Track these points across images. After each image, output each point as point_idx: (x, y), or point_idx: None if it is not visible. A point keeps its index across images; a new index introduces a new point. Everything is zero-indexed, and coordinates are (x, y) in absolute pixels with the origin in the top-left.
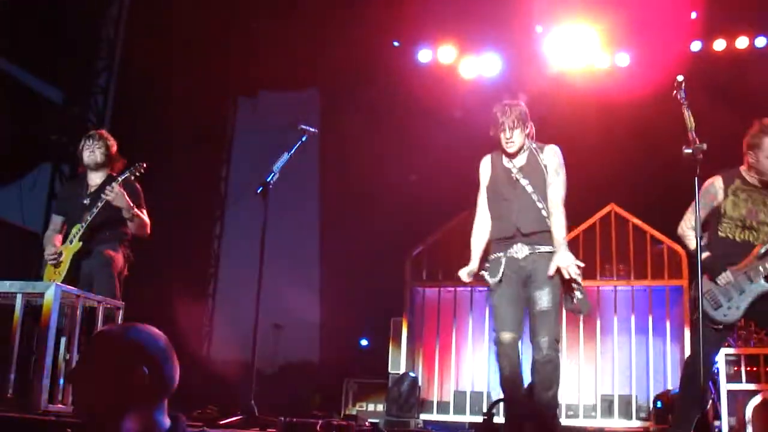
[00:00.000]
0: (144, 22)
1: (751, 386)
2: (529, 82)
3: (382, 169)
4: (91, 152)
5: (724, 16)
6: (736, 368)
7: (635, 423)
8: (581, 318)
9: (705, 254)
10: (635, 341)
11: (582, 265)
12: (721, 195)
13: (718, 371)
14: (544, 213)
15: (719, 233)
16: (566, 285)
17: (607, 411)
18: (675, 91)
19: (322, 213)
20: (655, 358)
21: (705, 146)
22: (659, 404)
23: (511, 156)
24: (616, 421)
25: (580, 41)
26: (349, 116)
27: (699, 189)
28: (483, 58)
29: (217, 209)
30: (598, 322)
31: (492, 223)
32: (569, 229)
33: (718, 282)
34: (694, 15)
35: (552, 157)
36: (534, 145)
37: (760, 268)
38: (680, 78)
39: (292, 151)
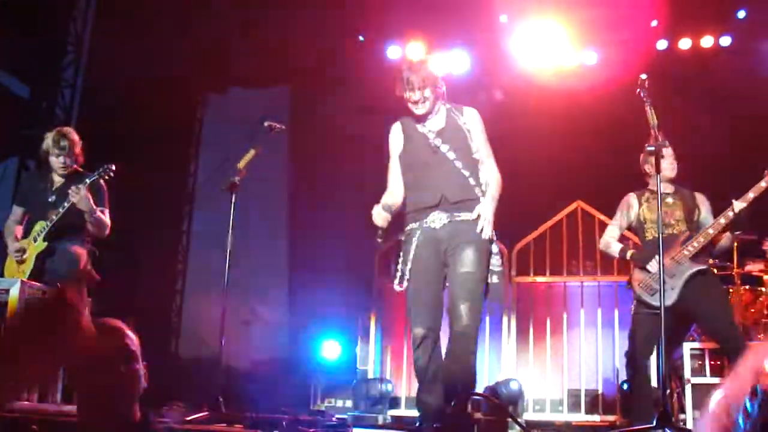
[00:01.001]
0: (112, 16)
1: (715, 380)
2: (497, 79)
3: (352, 165)
4: (63, 165)
5: (690, 15)
6: (700, 362)
7: (602, 417)
8: (548, 313)
9: (631, 251)
10: (602, 336)
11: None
12: (635, 204)
13: (682, 365)
14: (471, 180)
15: (646, 237)
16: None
17: (574, 405)
18: (639, 89)
19: (291, 209)
20: (621, 353)
21: (667, 143)
22: (626, 386)
23: (422, 119)
24: (583, 416)
25: (547, 38)
26: (318, 113)
27: (660, 186)
28: (451, 55)
29: (186, 205)
30: (565, 318)
31: (409, 195)
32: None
33: (650, 269)
34: (654, 23)
35: (475, 121)
36: (449, 106)
37: (685, 252)
38: (643, 76)
39: (259, 148)
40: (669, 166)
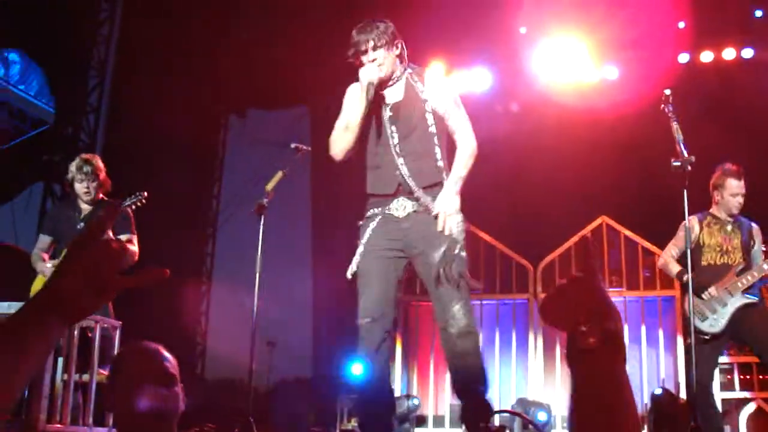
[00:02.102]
0: (134, 41)
1: (745, 394)
2: (519, 96)
3: None
4: (87, 191)
5: (711, 27)
6: (729, 377)
7: None
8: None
9: (678, 268)
10: (628, 351)
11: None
12: (697, 228)
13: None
14: (430, 162)
15: (702, 263)
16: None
17: None
18: (663, 105)
19: (314, 229)
20: (649, 368)
21: (693, 159)
22: (660, 392)
23: (380, 86)
24: None
25: (569, 55)
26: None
27: (687, 201)
28: (473, 73)
29: (209, 227)
30: None
31: (369, 173)
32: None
33: (704, 297)
34: (682, 24)
35: (440, 85)
36: (410, 70)
37: (738, 284)
38: (667, 92)
39: (287, 170)
40: (737, 204)
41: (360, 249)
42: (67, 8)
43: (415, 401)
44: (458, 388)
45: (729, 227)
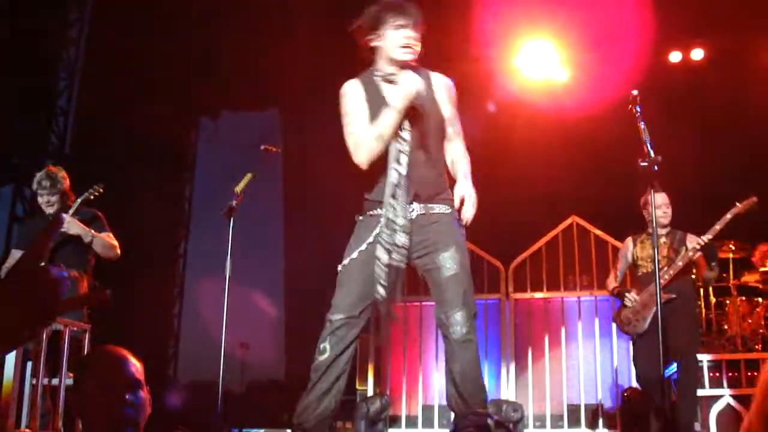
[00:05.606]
0: (105, 43)
1: (715, 392)
2: (488, 96)
3: (345, 186)
4: (49, 203)
5: (680, 28)
6: (699, 375)
7: (602, 431)
8: (546, 328)
9: (613, 285)
10: (600, 350)
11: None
12: (630, 245)
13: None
14: (440, 170)
15: (638, 274)
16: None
17: (575, 420)
18: (630, 105)
19: (286, 231)
20: (620, 367)
21: (660, 158)
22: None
23: (392, 80)
24: (584, 430)
25: (539, 56)
26: (310, 134)
27: (654, 200)
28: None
29: (182, 229)
30: (563, 333)
31: (376, 177)
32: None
33: (626, 304)
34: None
35: (447, 88)
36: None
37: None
38: (635, 92)
39: (256, 172)
40: (662, 214)
41: (362, 246)
42: (35, 10)
43: (387, 404)
44: (453, 404)
45: (662, 240)
